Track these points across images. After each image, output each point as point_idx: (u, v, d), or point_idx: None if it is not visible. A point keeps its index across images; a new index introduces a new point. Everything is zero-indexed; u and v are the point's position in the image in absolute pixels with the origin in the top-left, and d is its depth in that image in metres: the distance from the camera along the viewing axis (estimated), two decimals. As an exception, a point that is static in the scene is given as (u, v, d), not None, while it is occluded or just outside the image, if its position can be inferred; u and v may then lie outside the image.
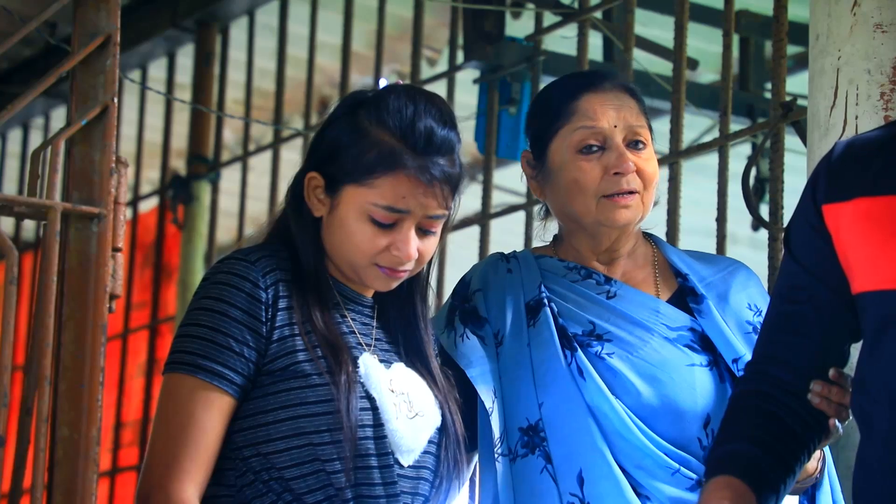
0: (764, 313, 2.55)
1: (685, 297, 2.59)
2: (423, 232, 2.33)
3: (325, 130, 2.39)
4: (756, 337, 2.52)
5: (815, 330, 2.19)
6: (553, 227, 2.68)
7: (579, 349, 2.50)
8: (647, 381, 2.48)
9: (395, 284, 2.36)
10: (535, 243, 2.73)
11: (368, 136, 2.31)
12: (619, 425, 2.44)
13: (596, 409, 2.46)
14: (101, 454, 2.15)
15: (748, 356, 2.49)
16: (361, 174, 2.30)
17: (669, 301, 2.58)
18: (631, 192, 2.52)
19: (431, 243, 2.35)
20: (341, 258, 2.35)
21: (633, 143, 2.54)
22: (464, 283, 2.63)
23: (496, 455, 2.47)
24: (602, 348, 2.50)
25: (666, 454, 2.45)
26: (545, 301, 2.55)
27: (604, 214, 2.52)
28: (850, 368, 2.24)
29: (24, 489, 2.09)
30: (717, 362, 2.53)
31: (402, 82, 2.46)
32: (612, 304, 2.55)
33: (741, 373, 2.48)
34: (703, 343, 2.54)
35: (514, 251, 2.68)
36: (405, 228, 2.30)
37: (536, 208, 2.73)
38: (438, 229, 2.35)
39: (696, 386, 2.49)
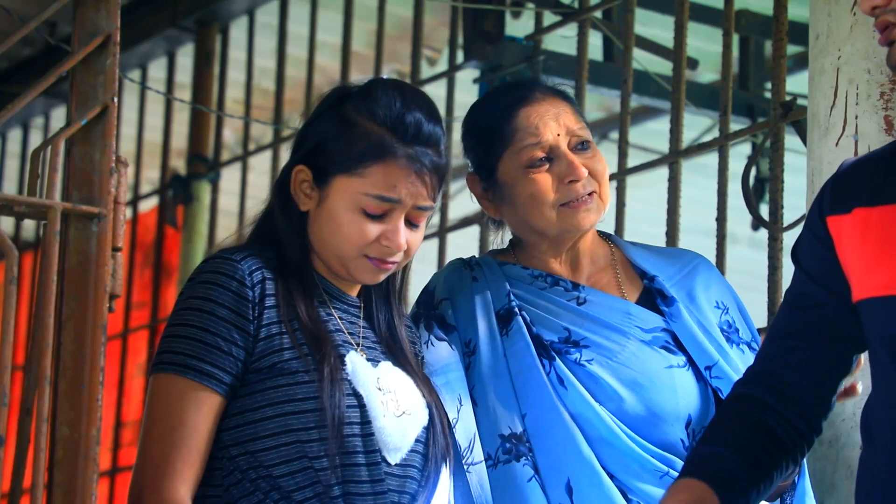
0: (730, 310, 2.56)
1: (653, 298, 2.58)
2: (409, 224, 2.34)
3: (311, 124, 2.39)
4: (733, 337, 2.53)
5: (819, 336, 2.18)
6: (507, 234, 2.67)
7: (557, 357, 2.49)
8: (629, 387, 2.47)
9: (382, 277, 2.36)
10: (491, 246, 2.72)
11: (357, 126, 2.32)
12: (605, 431, 2.44)
13: (579, 417, 2.44)
14: (101, 454, 2.15)
15: (722, 362, 2.50)
16: (352, 164, 2.31)
17: (637, 303, 2.57)
18: (589, 195, 2.52)
19: (418, 236, 2.36)
20: (329, 251, 2.35)
21: (578, 146, 2.54)
22: (428, 293, 2.61)
23: (465, 465, 2.45)
24: (581, 355, 2.49)
25: (653, 457, 2.44)
26: (516, 310, 2.54)
27: (567, 222, 2.52)
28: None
29: (24, 489, 2.08)
30: (692, 362, 2.52)
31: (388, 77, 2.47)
32: (583, 310, 2.54)
33: (715, 380, 2.49)
34: (678, 343, 2.54)
35: (475, 257, 2.68)
36: (395, 218, 2.31)
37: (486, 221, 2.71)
38: (424, 223, 2.37)
39: (676, 388, 2.49)
